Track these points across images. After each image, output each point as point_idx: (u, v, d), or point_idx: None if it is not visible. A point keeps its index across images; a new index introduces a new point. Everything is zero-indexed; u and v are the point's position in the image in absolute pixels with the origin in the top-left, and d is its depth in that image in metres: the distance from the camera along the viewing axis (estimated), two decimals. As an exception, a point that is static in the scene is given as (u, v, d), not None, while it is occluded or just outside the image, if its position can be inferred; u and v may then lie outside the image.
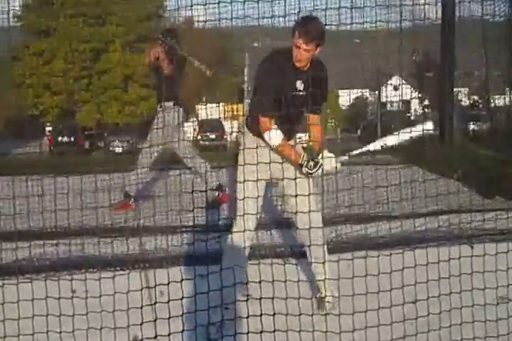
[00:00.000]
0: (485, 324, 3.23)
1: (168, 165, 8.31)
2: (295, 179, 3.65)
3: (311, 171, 3.62)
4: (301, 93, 3.76)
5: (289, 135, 3.82)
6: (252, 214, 3.73)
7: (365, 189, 6.01)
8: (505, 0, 9.26)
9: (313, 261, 3.84)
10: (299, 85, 3.75)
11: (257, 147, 3.67)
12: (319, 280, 3.86)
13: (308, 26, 3.61)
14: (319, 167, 3.61)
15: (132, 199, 6.87)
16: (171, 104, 6.87)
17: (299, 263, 4.39)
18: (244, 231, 3.66)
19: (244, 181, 3.65)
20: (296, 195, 3.68)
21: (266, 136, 3.66)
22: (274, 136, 3.64)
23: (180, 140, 6.90)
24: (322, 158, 3.65)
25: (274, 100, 3.63)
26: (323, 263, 3.71)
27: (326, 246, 3.88)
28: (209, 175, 6.92)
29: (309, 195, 3.73)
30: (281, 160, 3.70)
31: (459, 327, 3.17)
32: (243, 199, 3.69)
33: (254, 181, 3.66)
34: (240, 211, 3.74)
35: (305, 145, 4.05)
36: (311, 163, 3.62)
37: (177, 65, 6.82)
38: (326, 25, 3.80)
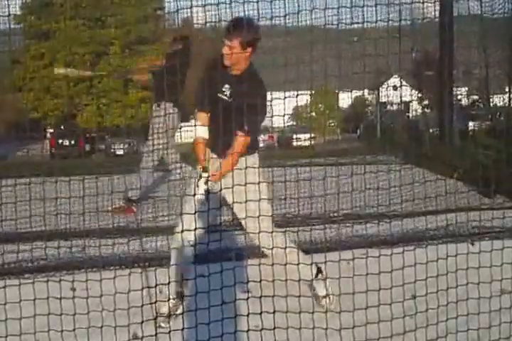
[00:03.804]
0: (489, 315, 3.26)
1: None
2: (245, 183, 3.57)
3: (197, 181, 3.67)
4: (227, 98, 3.75)
5: (217, 142, 3.73)
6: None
7: (365, 188, 6.01)
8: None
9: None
10: (226, 89, 3.75)
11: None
12: (316, 280, 3.90)
13: (231, 24, 3.65)
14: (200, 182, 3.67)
15: (133, 204, 6.86)
16: (170, 104, 6.81)
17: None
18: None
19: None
20: (235, 201, 3.69)
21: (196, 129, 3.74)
22: (198, 130, 3.74)
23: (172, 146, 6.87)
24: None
25: (205, 99, 3.70)
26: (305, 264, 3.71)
27: (298, 250, 3.87)
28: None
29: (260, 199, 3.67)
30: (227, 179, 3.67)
31: (455, 321, 3.19)
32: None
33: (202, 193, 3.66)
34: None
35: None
36: (200, 177, 3.67)
37: (181, 63, 6.77)
38: (325, 24, 3.86)
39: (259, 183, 3.64)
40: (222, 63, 3.75)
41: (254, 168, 3.75)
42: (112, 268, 4.48)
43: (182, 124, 3.95)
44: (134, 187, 6.85)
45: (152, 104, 7.17)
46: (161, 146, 6.82)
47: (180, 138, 3.85)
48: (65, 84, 32.89)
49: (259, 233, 3.59)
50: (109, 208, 6.52)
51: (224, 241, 3.94)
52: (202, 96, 3.77)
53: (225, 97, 3.75)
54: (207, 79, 3.73)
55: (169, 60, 6.68)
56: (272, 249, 3.63)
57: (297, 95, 4.17)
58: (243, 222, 3.79)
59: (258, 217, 3.56)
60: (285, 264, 3.62)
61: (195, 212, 3.46)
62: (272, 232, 3.69)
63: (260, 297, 3.20)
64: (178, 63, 6.14)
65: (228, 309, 3.17)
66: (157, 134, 6.77)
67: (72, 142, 29.61)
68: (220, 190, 3.67)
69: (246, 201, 3.57)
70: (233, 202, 3.74)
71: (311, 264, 3.81)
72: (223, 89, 3.76)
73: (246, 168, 3.60)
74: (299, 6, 3.96)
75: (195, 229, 3.47)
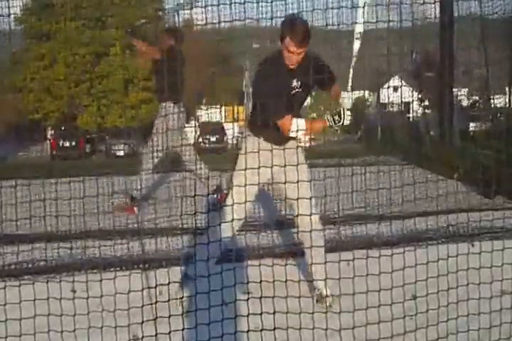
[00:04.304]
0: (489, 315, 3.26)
1: (171, 169, 8.34)
2: (297, 182, 3.70)
3: (340, 123, 3.76)
4: (298, 90, 3.90)
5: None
6: (239, 219, 3.84)
7: (366, 189, 6.02)
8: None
9: (312, 262, 3.89)
10: (296, 83, 3.88)
11: (258, 151, 3.71)
12: (319, 280, 3.91)
13: (298, 30, 3.69)
14: (343, 115, 3.74)
15: (136, 204, 6.88)
16: (172, 104, 6.85)
17: (299, 262, 4.41)
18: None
19: (244, 185, 3.67)
20: (297, 199, 3.77)
21: (292, 133, 3.76)
22: (300, 125, 3.74)
23: (183, 143, 6.89)
24: (340, 105, 3.80)
25: (280, 105, 3.71)
26: (322, 264, 3.77)
27: (324, 248, 3.97)
28: (210, 180, 6.90)
29: (310, 198, 3.85)
30: (282, 163, 3.75)
31: (456, 321, 3.19)
32: (235, 202, 3.75)
33: (252, 185, 3.71)
34: (228, 212, 3.78)
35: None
36: (336, 117, 3.74)
37: (177, 59, 6.78)
38: (327, 25, 3.91)
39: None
40: (281, 65, 3.81)
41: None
42: (112, 269, 4.49)
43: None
44: (136, 188, 6.88)
45: (157, 103, 7.18)
46: (161, 147, 6.84)
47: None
48: (66, 85, 32.87)
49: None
50: (113, 203, 6.55)
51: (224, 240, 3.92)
52: (280, 107, 3.73)
53: (297, 90, 3.90)
54: (276, 89, 3.73)
55: (160, 56, 6.69)
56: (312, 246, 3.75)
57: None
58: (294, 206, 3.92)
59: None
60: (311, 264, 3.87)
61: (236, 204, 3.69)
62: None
63: (260, 297, 3.20)
64: (173, 61, 6.19)
65: (228, 309, 3.17)
66: (158, 135, 6.80)
67: (73, 143, 29.58)
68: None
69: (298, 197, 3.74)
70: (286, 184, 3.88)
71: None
72: (293, 86, 3.88)
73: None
74: (299, 6, 3.97)
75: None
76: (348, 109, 3.77)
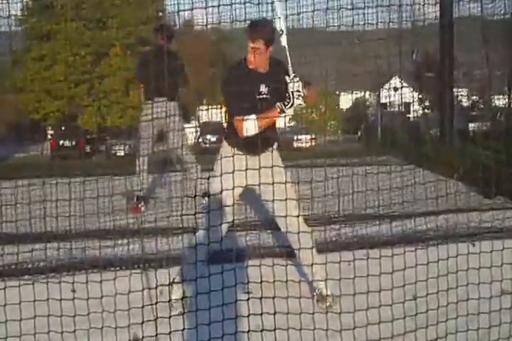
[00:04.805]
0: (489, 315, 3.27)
1: (169, 169, 8.36)
2: (272, 184, 3.66)
3: (290, 105, 3.67)
4: (267, 96, 3.86)
5: (266, 142, 3.87)
6: (225, 223, 3.81)
7: (366, 189, 6.03)
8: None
9: (313, 262, 3.88)
10: (263, 89, 3.85)
11: (233, 156, 3.67)
12: (319, 281, 3.91)
13: (253, 26, 3.73)
14: (291, 97, 3.66)
15: (143, 203, 6.91)
16: (164, 99, 6.85)
17: (299, 262, 4.40)
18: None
19: (222, 190, 3.63)
20: (273, 200, 3.76)
21: (244, 131, 3.72)
22: (249, 125, 3.70)
23: (178, 135, 6.93)
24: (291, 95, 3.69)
25: (243, 106, 3.70)
26: (323, 264, 3.76)
27: (314, 249, 3.90)
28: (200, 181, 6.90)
29: (286, 199, 3.74)
30: (256, 172, 3.69)
31: (455, 321, 3.20)
32: (216, 206, 3.72)
33: (229, 189, 3.65)
34: (213, 218, 3.73)
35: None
36: (285, 103, 3.68)
37: (169, 57, 6.80)
38: (326, 26, 3.90)
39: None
40: (246, 68, 3.80)
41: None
42: (112, 269, 4.49)
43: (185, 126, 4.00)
44: (137, 188, 6.91)
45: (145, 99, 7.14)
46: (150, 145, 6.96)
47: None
48: (66, 85, 32.86)
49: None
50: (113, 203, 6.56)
51: (225, 241, 3.93)
52: (239, 106, 3.74)
53: (264, 95, 3.86)
54: (239, 88, 3.73)
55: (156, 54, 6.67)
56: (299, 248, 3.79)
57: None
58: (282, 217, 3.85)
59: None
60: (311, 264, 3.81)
61: (219, 209, 3.64)
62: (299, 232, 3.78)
63: (261, 298, 3.20)
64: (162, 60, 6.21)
65: (229, 310, 3.17)
66: (146, 127, 6.88)
67: (73, 143, 29.54)
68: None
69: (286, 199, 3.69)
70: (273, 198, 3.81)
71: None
72: (260, 90, 3.85)
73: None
74: (299, 7, 3.98)
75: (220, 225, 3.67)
76: (296, 91, 3.67)
